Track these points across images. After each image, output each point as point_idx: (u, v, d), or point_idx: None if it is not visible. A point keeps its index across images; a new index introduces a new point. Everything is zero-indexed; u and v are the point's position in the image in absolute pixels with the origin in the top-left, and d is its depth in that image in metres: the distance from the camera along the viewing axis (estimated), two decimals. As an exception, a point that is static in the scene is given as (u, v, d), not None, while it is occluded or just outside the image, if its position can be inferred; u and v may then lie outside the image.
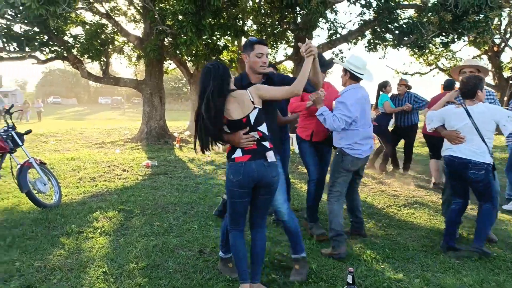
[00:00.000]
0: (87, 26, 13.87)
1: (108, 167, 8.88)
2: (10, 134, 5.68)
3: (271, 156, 3.27)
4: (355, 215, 4.85)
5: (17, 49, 12.59)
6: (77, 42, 13.61)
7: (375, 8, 13.42)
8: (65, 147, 12.60)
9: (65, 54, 13.53)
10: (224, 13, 12.14)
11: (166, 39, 12.97)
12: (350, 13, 36.04)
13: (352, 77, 4.39)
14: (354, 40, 14.92)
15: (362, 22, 14.22)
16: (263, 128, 3.27)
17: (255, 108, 3.21)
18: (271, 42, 14.94)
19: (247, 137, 3.20)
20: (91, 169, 8.65)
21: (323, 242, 4.59)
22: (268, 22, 14.01)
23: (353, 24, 14.80)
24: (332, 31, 14.62)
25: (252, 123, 3.22)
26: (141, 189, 6.96)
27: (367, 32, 14.51)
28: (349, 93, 4.33)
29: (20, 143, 5.74)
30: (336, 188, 4.40)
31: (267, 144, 3.28)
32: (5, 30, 12.23)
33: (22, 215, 5.38)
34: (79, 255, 4.16)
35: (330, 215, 4.36)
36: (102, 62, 14.29)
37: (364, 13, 14.13)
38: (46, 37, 13.02)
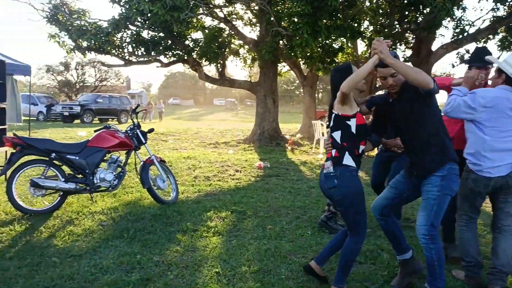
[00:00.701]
0: (206, 31, 14.48)
1: (222, 167, 9.10)
2: (135, 132, 6.03)
3: (327, 166, 3.21)
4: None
5: (144, 53, 13.54)
6: (196, 45, 14.26)
7: (511, 3, 12.20)
8: (182, 146, 13.24)
9: (186, 57, 14.24)
10: (340, 14, 11.87)
11: (281, 41, 13.04)
12: (481, 9, 33.19)
13: (509, 81, 3.46)
14: (484, 39, 13.69)
15: (494, 19, 13.02)
16: (336, 135, 3.20)
17: (333, 112, 3.22)
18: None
19: (327, 143, 3.23)
20: (206, 168, 8.93)
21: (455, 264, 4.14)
22: (386, 22, 13.44)
23: (483, 22, 13.47)
24: (458, 30, 13.57)
25: (330, 127, 3.27)
26: (253, 190, 6.99)
27: (500, 30, 13.27)
28: (491, 89, 3.53)
29: (144, 141, 6.06)
30: (463, 211, 3.70)
31: (332, 152, 3.22)
32: (135, 36, 13.22)
33: (143, 209, 5.67)
34: (194, 253, 4.23)
35: (460, 243, 3.76)
36: (218, 65, 14.81)
37: (498, 9, 12.93)
38: (170, 42, 13.82)
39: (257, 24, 14.92)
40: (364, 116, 3.37)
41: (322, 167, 3.34)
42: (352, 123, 3.17)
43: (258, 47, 13.30)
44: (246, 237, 4.71)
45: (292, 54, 12.25)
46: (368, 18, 13.90)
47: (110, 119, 28.22)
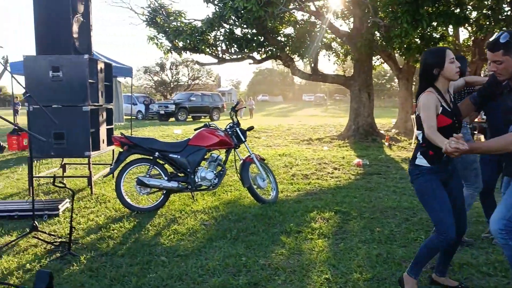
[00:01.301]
0: (297, 26, 14.26)
1: (319, 164, 8.85)
2: (235, 130, 5.98)
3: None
4: None
5: (237, 50, 13.65)
6: (289, 41, 14.09)
7: None
8: (275, 143, 13.16)
9: (278, 53, 14.14)
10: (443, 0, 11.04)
11: (377, 33, 12.45)
12: None
13: None
14: None
15: None
16: (419, 134, 3.12)
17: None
18: (496, 30, 13.08)
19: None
20: (303, 165, 8.73)
21: None
22: (495, 6, 12.28)
23: None
24: None
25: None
26: (355, 189, 6.66)
27: None
28: None
29: (243, 139, 6.00)
30: None
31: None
32: (228, 34, 13.36)
33: (243, 209, 5.59)
34: (300, 257, 4.05)
35: None
36: (311, 60, 14.53)
37: None
38: (262, 38, 13.79)
39: (351, 17, 14.41)
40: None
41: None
42: None
43: (352, 40, 12.82)
44: (354, 240, 4.43)
45: (389, 45, 11.63)
46: (472, 2, 12.81)
47: (202, 117, 29.08)
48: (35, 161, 6.52)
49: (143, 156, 5.74)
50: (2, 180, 7.67)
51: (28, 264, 3.85)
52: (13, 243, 4.38)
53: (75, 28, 6.41)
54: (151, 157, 5.60)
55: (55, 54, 6.24)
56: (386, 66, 21.10)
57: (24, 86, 4.81)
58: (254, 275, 3.63)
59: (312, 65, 14.62)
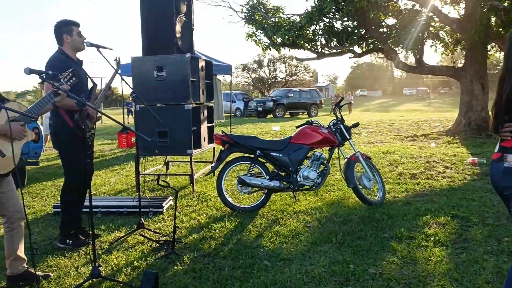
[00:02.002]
0: (401, 15, 13.44)
1: (428, 162, 8.19)
2: (339, 127, 5.66)
3: (509, 160, 2.42)
4: None
5: (337, 44, 13.21)
6: (392, 32, 13.34)
7: None
8: (377, 139, 12.54)
9: (381, 46, 13.45)
10: None
11: (494, 18, 11.29)
12: None
13: None
14: None
15: None
16: None
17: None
18: None
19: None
20: (409, 164, 8.14)
21: None
22: None
23: None
24: None
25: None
26: (472, 191, 6.01)
27: None
28: None
29: (348, 137, 5.66)
30: None
31: None
32: (327, 28, 12.98)
33: (348, 210, 5.27)
34: (415, 267, 3.65)
35: None
36: (415, 51, 13.64)
37: None
38: (364, 31, 13.21)
39: (461, 2, 13.26)
40: None
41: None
42: None
43: (464, 28, 11.77)
44: (478, 251, 3.91)
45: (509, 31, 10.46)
46: None
47: (300, 113, 28.89)
48: (141, 159, 6.73)
49: (244, 154, 5.66)
50: (113, 176, 8.08)
51: (135, 262, 3.90)
52: (122, 239, 4.50)
53: (178, 28, 6.50)
54: (253, 156, 5.48)
55: (159, 54, 6.39)
56: (498, 55, 19.24)
57: (130, 86, 4.94)
58: (364, 286, 3.32)
59: (417, 56, 13.71)
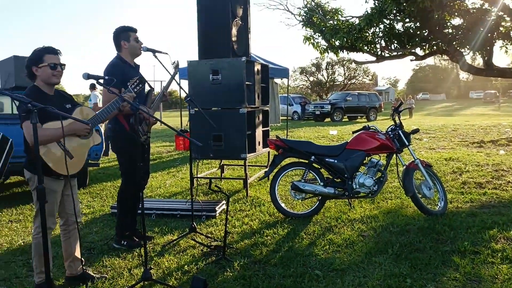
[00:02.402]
0: (467, 15, 12.76)
1: (496, 171, 7.69)
2: (397, 133, 5.42)
3: None
4: None
5: (398, 47, 12.77)
6: (458, 33, 12.70)
7: None
8: (440, 145, 11.97)
9: (445, 48, 12.86)
10: None
11: None
12: None
13: None
14: None
15: None
16: None
17: None
18: None
19: None
20: (475, 172, 7.68)
21: None
22: None
23: None
24: None
25: None
26: (546, 204, 5.56)
27: None
28: None
29: (407, 143, 5.41)
30: None
31: None
32: (388, 30, 12.57)
33: (407, 220, 5.02)
34: (479, 285, 3.40)
35: None
36: (484, 52, 12.91)
37: None
38: (427, 32, 12.68)
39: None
40: None
41: None
42: None
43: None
44: (552, 271, 3.59)
45: None
46: None
47: (358, 117, 28.30)
48: (196, 162, 6.78)
49: (298, 159, 5.55)
50: (169, 178, 8.23)
51: (186, 266, 3.90)
52: (174, 242, 4.53)
53: (234, 31, 6.51)
54: (307, 161, 5.37)
55: (215, 58, 6.42)
56: None
57: (185, 90, 4.99)
58: (423, 303, 3.12)
59: (486, 58, 12.97)
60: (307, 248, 4.29)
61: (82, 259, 3.66)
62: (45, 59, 3.18)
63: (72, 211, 3.44)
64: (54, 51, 3.25)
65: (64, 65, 3.29)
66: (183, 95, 5.39)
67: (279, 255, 4.09)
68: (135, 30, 4.36)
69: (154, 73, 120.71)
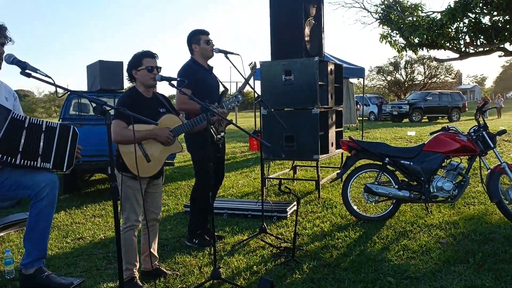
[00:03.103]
0: None
1: None
2: (481, 134, 5.07)
3: None
4: None
5: (485, 42, 11.99)
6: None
7: None
8: (531, 148, 11.08)
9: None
10: None
11: None
12: None
13: None
14: None
15: None
16: None
17: None
18: None
19: None
20: None
21: None
22: None
23: None
24: None
25: None
26: None
27: None
28: None
29: (492, 145, 5.03)
30: None
31: None
32: (473, 25, 11.85)
33: (491, 228, 4.68)
34: None
35: None
36: None
37: None
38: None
39: None
40: None
41: None
42: None
43: None
44: None
45: None
46: None
47: (439, 117, 27.00)
48: (268, 162, 6.79)
49: (372, 161, 5.38)
50: (241, 178, 8.33)
51: (255, 266, 3.90)
52: (244, 242, 4.56)
53: (306, 31, 6.45)
54: (381, 163, 5.18)
55: (287, 58, 6.39)
56: None
57: (256, 91, 5.01)
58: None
59: None
60: (379, 253, 4.13)
61: (157, 255, 3.79)
62: (143, 62, 3.37)
63: (153, 208, 3.56)
64: (151, 55, 3.43)
65: (160, 68, 3.45)
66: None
67: (350, 259, 3.98)
68: (205, 33, 4.45)
69: (230, 74, 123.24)
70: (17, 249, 4.57)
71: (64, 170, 2.77)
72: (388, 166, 5.18)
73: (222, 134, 4.47)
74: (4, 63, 2.51)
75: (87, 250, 4.55)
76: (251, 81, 4.60)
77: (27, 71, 2.29)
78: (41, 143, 2.62)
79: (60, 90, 2.29)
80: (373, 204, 5.40)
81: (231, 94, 4.12)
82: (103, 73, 7.93)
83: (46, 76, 2.31)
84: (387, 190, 5.06)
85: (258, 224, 5.01)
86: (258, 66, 6.72)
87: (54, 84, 2.35)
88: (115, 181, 2.32)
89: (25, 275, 2.67)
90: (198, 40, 4.42)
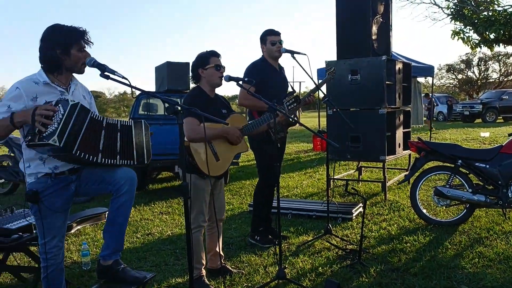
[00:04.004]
0: None
1: None
2: None
3: None
4: None
5: None
6: None
7: None
8: None
9: None
10: None
11: None
12: None
13: None
14: None
15: None
16: None
17: None
18: None
19: None
20: None
21: None
22: None
23: None
24: None
25: None
26: None
27: None
28: None
29: None
30: None
31: None
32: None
33: None
34: None
35: None
36: None
37: None
38: None
39: None
40: None
41: None
42: None
43: None
44: None
45: None
46: None
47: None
48: (334, 163, 6.69)
49: (442, 163, 5.16)
50: (305, 179, 8.28)
51: (320, 268, 3.86)
52: (309, 243, 4.52)
53: (374, 29, 6.30)
54: (453, 165, 4.95)
55: (354, 57, 6.27)
56: None
57: (323, 91, 4.97)
58: None
59: None
60: (452, 259, 3.94)
61: (222, 253, 3.84)
62: (211, 61, 3.43)
63: (217, 208, 3.62)
64: (217, 54, 3.51)
65: (225, 67, 3.51)
66: (321, 95, 5.37)
67: (420, 265, 3.83)
68: (273, 33, 4.48)
69: (293, 74, 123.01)
70: (92, 242, 4.83)
71: (146, 162, 2.90)
72: (460, 169, 4.93)
73: (282, 134, 4.47)
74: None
75: (155, 245, 4.70)
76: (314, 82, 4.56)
77: (106, 73, 2.41)
78: (118, 142, 2.73)
79: (134, 91, 2.39)
80: (444, 208, 5.17)
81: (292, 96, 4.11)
82: (170, 74, 8.19)
83: (123, 78, 2.41)
84: (460, 193, 4.82)
85: (323, 225, 4.96)
86: (323, 65, 6.68)
87: (130, 85, 2.44)
88: (185, 180, 2.37)
89: (103, 266, 2.81)
90: (265, 40, 4.48)
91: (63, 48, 2.60)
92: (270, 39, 4.46)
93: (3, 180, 7.58)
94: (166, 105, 2.30)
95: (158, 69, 8.75)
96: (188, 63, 8.41)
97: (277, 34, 4.49)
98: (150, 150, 2.91)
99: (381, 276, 3.62)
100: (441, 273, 3.64)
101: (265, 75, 4.37)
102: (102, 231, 5.17)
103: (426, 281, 3.50)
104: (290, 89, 4.65)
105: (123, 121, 2.85)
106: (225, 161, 3.50)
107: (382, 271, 3.72)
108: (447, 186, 4.91)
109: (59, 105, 2.46)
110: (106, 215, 5.19)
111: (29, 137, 2.41)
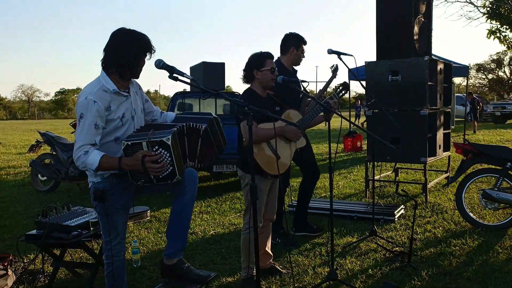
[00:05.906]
0: None
1: None
2: None
3: None
4: None
5: None
6: None
7: None
8: None
9: None
10: None
11: None
12: None
13: None
14: None
15: None
16: None
17: None
18: None
19: None
20: None
21: None
22: None
23: None
24: None
25: None
26: None
27: None
28: None
29: None
30: None
31: None
32: None
33: None
34: None
35: None
36: None
37: None
38: None
39: None
40: None
41: None
42: None
43: None
44: None
45: None
46: None
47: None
48: (372, 164, 6.63)
49: (489, 166, 5.07)
50: (340, 180, 8.23)
51: (369, 270, 3.84)
52: (354, 244, 4.50)
53: (415, 29, 6.23)
54: (501, 168, 4.86)
55: (394, 58, 6.21)
56: None
57: (370, 93, 4.93)
58: None
59: None
60: (505, 264, 3.87)
61: (271, 253, 3.86)
62: (267, 63, 3.42)
63: (269, 208, 3.63)
64: (272, 56, 3.49)
65: (277, 69, 3.52)
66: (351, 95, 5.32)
67: (473, 269, 3.77)
68: (306, 43, 4.50)
69: (316, 74, 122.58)
70: (138, 240, 4.90)
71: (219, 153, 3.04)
72: (510, 172, 4.84)
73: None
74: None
75: (200, 245, 4.75)
76: (352, 82, 4.54)
77: (175, 75, 2.44)
78: (199, 146, 2.81)
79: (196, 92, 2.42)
80: (492, 211, 5.08)
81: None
82: (206, 74, 8.23)
83: (192, 79, 2.44)
84: (509, 196, 4.73)
85: (365, 226, 4.94)
86: (362, 64, 6.63)
87: (198, 87, 2.48)
88: (254, 181, 2.39)
89: (168, 265, 2.84)
90: (298, 46, 4.49)
91: (142, 54, 2.65)
92: (302, 48, 4.47)
93: (45, 178, 7.76)
94: (235, 106, 2.33)
95: (194, 69, 8.81)
96: (223, 63, 8.45)
97: (303, 43, 4.52)
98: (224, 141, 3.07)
99: (434, 280, 3.58)
100: (496, 277, 3.58)
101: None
102: (145, 229, 5.25)
103: (481, 286, 3.45)
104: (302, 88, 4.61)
105: (199, 125, 2.84)
106: (286, 158, 3.52)
107: (434, 275, 3.68)
108: (496, 189, 4.82)
109: (160, 149, 2.51)
110: (148, 213, 5.32)
111: (143, 180, 2.58)
